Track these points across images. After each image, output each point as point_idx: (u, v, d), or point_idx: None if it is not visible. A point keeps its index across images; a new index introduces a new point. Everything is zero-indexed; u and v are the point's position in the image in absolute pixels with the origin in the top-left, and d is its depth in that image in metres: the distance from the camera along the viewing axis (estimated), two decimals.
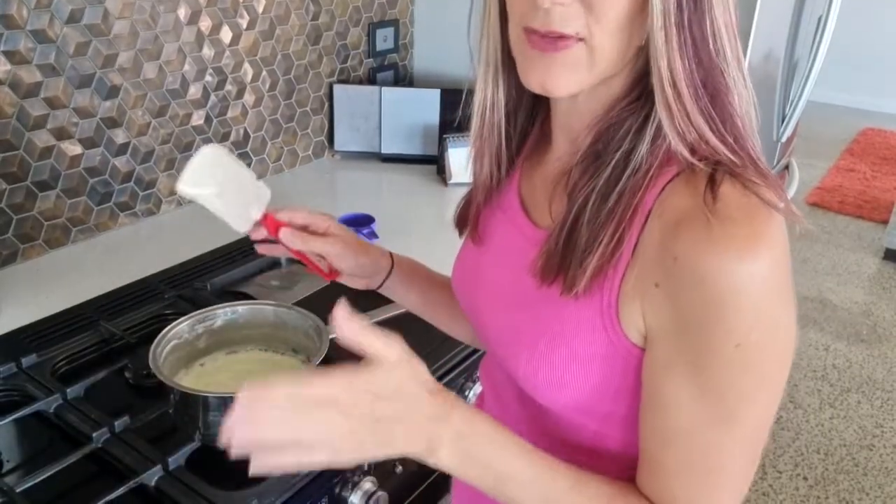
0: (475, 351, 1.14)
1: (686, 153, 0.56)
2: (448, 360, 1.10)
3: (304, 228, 0.83)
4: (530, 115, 0.73)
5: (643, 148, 0.58)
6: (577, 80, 0.58)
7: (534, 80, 0.59)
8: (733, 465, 0.58)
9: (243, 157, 1.74)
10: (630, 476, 0.67)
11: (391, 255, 0.91)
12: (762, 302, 0.53)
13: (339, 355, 1.01)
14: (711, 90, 0.56)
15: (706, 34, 0.55)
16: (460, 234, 0.80)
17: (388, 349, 0.56)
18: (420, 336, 1.17)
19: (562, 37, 0.56)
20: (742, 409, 0.56)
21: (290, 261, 0.91)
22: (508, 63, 0.66)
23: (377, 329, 0.56)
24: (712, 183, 0.55)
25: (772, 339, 0.55)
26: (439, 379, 1.08)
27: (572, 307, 0.61)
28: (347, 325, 0.55)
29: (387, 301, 1.09)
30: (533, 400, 0.68)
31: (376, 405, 0.53)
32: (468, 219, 0.78)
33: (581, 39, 0.56)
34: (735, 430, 0.56)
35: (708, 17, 0.55)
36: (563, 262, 0.61)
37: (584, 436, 0.68)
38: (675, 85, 0.55)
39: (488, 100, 0.69)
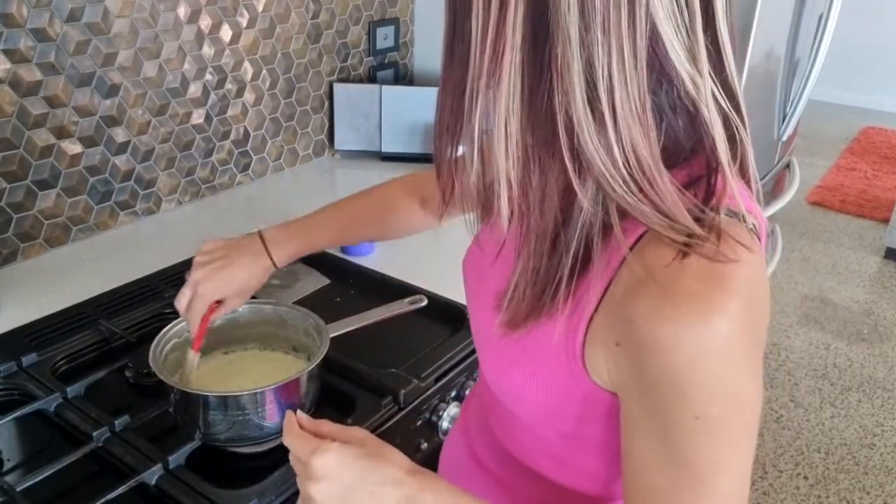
0: (474, 351, 1.13)
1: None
2: (448, 359, 1.10)
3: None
4: None
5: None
6: None
7: None
8: None
9: (243, 155, 1.74)
10: (600, 494, 0.68)
11: (271, 259, 0.96)
12: (720, 374, 0.51)
13: (338, 355, 1.02)
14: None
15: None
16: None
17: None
18: (420, 335, 1.17)
19: None
20: (713, 475, 0.54)
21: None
22: None
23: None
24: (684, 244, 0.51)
25: (734, 408, 0.53)
26: (440, 378, 1.08)
27: (540, 331, 0.60)
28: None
29: (385, 301, 1.09)
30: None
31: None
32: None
33: None
34: (709, 495, 0.54)
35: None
36: (500, 303, 0.61)
37: (548, 447, 0.69)
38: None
39: None
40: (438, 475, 0.62)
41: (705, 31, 0.51)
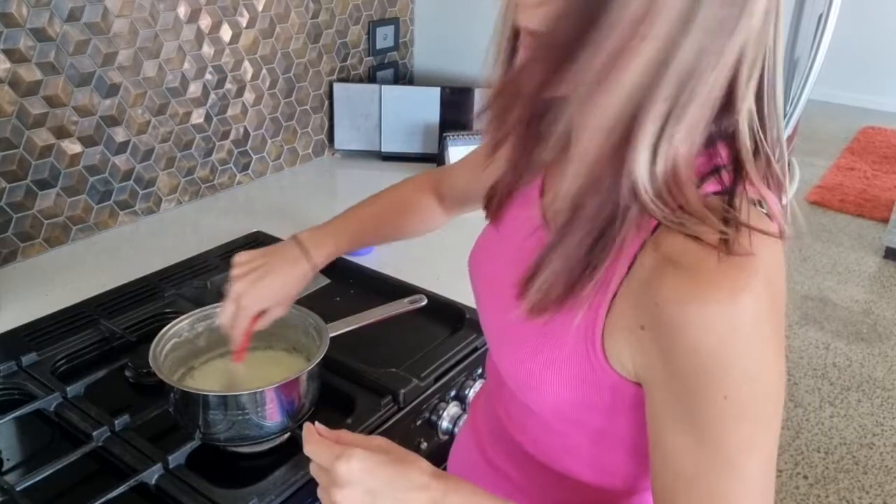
0: (474, 350, 1.14)
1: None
2: (448, 358, 1.10)
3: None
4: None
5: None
6: None
7: None
8: None
9: (243, 155, 1.74)
10: (609, 489, 0.68)
11: (310, 262, 0.94)
12: (747, 352, 0.52)
13: (338, 354, 1.02)
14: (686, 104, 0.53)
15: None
16: (486, 216, 0.79)
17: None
18: (420, 335, 1.17)
19: None
20: (742, 456, 0.54)
21: None
22: None
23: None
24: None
25: (762, 387, 0.53)
26: (440, 377, 1.08)
27: (557, 321, 0.60)
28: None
29: (385, 301, 1.09)
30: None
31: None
32: (493, 201, 0.77)
33: None
34: (740, 476, 0.55)
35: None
36: (527, 287, 0.61)
37: (565, 441, 0.69)
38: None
39: None
40: (462, 479, 0.62)
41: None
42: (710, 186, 0.56)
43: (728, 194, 0.55)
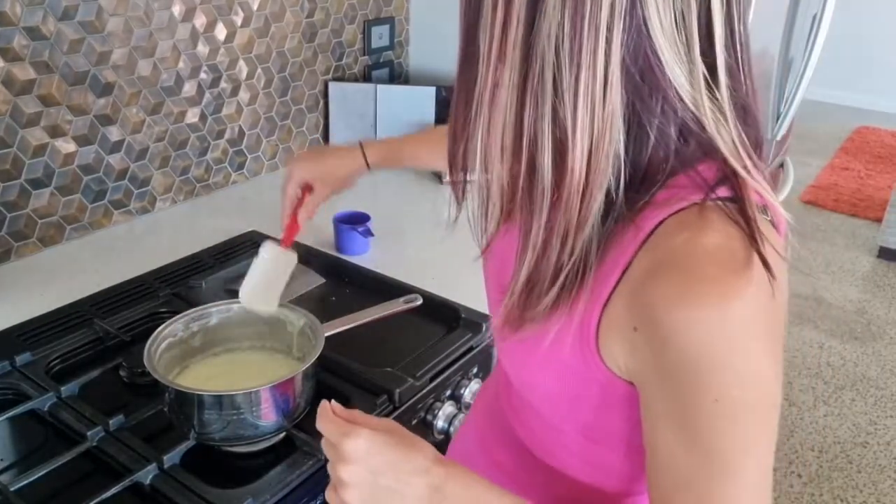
0: (470, 349, 1.14)
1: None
2: (443, 358, 1.10)
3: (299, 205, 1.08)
4: None
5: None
6: None
7: None
8: None
9: (238, 154, 1.73)
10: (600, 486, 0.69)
11: (366, 161, 1.08)
12: (738, 357, 0.52)
13: (333, 354, 1.02)
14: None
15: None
16: None
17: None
18: (415, 334, 1.17)
19: None
20: (738, 460, 0.54)
21: None
22: None
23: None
24: (704, 226, 0.53)
25: (754, 391, 0.53)
26: (435, 377, 1.08)
27: (553, 318, 0.60)
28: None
29: (380, 301, 1.09)
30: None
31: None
32: None
33: None
34: (737, 481, 0.55)
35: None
36: (516, 308, 0.61)
37: (557, 435, 0.70)
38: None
39: None
40: (465, 467, 0.63)
41: (707, 52, 0.53)
42: (723, 191, 0.55)
43: (738, 202, 0.54)
